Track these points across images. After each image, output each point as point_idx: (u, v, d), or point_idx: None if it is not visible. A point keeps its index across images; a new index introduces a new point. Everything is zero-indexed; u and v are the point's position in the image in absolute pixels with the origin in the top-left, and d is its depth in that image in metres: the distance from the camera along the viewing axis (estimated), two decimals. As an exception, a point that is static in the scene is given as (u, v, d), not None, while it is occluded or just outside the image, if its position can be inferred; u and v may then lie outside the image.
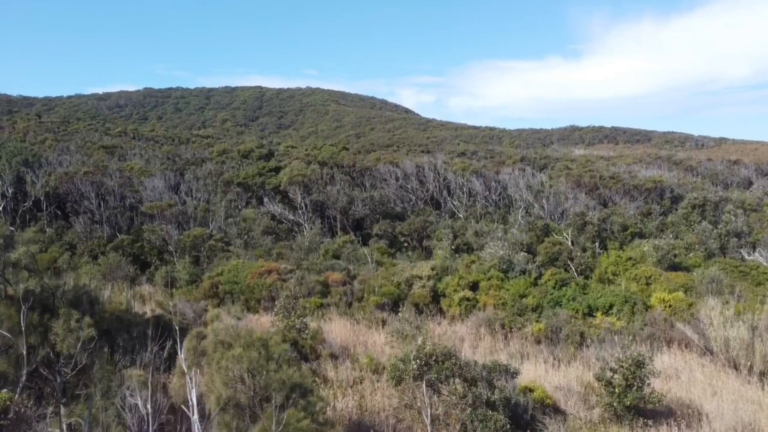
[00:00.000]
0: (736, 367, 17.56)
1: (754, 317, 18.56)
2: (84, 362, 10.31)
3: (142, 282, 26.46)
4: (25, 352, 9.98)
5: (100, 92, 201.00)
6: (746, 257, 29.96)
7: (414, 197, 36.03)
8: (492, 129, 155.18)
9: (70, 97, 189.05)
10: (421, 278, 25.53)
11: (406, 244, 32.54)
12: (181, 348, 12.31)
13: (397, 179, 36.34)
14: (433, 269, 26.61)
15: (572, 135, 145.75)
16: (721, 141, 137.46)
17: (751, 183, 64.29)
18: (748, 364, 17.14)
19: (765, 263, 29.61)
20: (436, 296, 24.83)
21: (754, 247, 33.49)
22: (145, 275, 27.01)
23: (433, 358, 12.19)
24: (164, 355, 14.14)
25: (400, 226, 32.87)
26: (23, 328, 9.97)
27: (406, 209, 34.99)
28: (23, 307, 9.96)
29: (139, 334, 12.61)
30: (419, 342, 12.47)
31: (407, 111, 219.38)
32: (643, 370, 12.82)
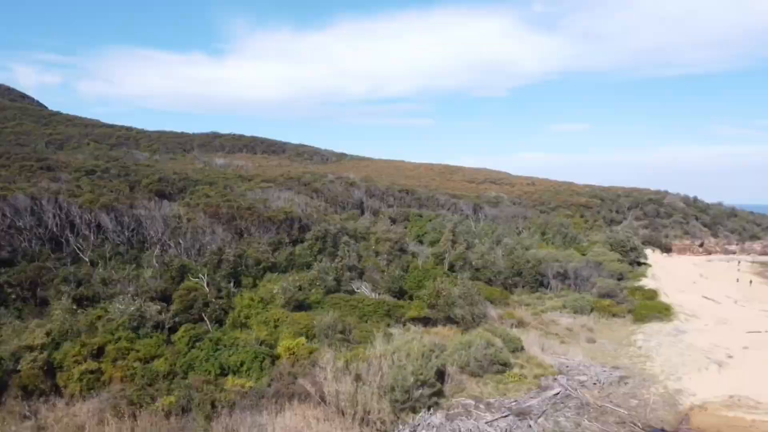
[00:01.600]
0: (344, 414, 20.49)
1: (359, 366, 21.96)
2: None
3: None
4: None
5: None
6: (356, 290, 35.13)
7: (28, 236, 30.91)
8: (129, 129, 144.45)
9: None
10: (32, 349, 22.17)
11: (14, 296, 27.76)
12: None
13: (5, 216, 30.56)
14: (48, 334, 23.43)
15: (213, 142, 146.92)
16: (342, 156, 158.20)
17: (362, 203, 75.92)
18: (353, 411, 20.19)
19: (368, 293, 35.25)
20: (51, 369, 21.90)
21: (362, 274, 39.53)
22: None
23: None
24: None
25: (7, 274, 27.95)
26: None
27: (17, 252, 29.76)
28: None
29: None
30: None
31: (24, 97, 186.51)
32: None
